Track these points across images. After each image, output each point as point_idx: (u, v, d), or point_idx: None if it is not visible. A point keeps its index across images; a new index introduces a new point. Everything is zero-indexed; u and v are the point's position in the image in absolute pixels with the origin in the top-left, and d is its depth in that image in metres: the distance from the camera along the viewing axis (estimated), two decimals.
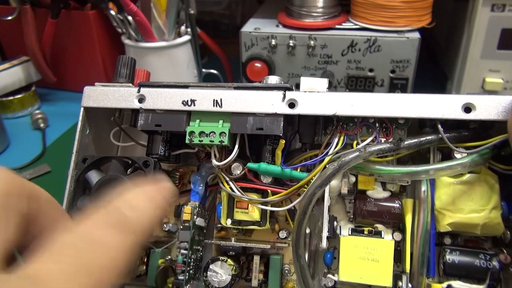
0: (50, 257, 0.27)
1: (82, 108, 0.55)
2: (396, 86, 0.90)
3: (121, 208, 0.31)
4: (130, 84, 0.56)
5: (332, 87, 0.92)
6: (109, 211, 0.31)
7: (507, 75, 0.86)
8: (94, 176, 0.52)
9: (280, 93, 0.50)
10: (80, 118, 0.55)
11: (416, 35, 0.86)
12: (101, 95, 0.55)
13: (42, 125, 1.02)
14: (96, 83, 0.56)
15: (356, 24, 0.90)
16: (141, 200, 0.33)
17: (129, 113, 0.57)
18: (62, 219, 0.37)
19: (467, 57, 0.87)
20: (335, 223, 0.52)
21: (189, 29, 1.03)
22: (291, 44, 0.90)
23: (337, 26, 0.91)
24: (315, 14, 0.91)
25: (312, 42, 0.89)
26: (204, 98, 0.51)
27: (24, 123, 1.06)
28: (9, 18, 1.05)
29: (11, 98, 1.07)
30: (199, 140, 0.50)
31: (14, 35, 1.11)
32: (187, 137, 0.51)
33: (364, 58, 0.89)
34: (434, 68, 1.12)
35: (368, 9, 0.87)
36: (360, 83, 0.91)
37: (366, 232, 0.51)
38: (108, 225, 0.30)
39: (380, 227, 0.52)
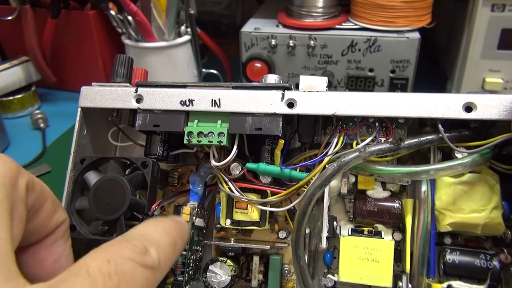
0: (86, 279, 0.28)
1: (79, 109, 0.55)
2: (396, 86, 0.89)
3: (148, 246, 0.32)
4: (128, 84, 0.56)
5: (332, 87, 0.92)
6: (137, 246, 0.32)
7: (507, 75, 0.86)
8: (92, 177, 0.52)
9: (279, 92, 0.50)
10: (78, 118, 0.55)
11: (416, 35, 0.85)
12: (99, 95, 0.54)
13: (42, 125, 1.01)
14: (93, 83, 0.56)
15: (356, 24, 0.90)
16: (165, 243, 0.35)
17: (127, 113, 0.56)
18: (58, 212, 0.38)
19: (467, 57, 0.86)
20: (335, 223, 0.52)
21: (189, 29, 1.02)
22: (291, 44, 0.90)
23: (337, 26, 0.91)
24: (315, 14, 0.91)
25: (312, 42, 0.89)
26: (202, 98, 0.51)
27: (24, 123, 1.06)
28: (9, 18, 1.05)
29: (11, 98, 1.07)
30: (198, 141, 0.50)
31: (14, 35, 1.11)
32: (186, 137, 0.50)
33: (364, 58, 0.88)
34: (434, 68, 1.12)
35: (368, 9, 0.87)
36: (360, 83, 0.91)
37: (366, 232, 0.51)
38: (137, 260, 0.31)
39: (380, 227, 0.51)
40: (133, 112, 0.54)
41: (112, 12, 0.98)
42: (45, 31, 1.04)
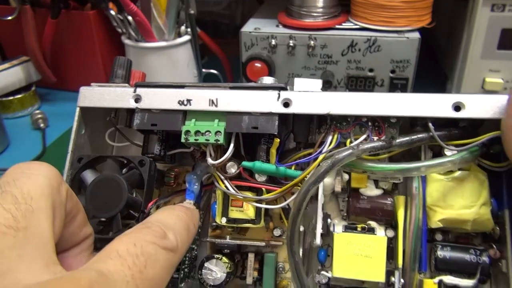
0: (118, 259, 0.32)
1: (78, 108, 0.57)
2: (396, 86, 0.91)
3: (166, 231, 0.38)
4: (126, 84, 0.58)
5: (332, 87, 0.93)
6: (157, 232, 0.37)
7: (507, 75, 0.88)
8: (89, 176, 0.54)
9: (275, 92, 0.52)
10: (76, 118, 0.57)
11: (416, 35, 0.87)
12: (97, 95, 0.56)
13: (42, 125, 1.03)
14: (92, 84, 0.58)
15: (356, 24, 0.92)
16: (181, 228, 0.41)
17: (124, 114, 0.58)
18: (87, 225, 0.43)
19: (467, 57, 0.88)
20: (328, 220, 0.54)
21: (189, 29, 1.04)
22: (291, 44, 0.91)
23: (337, 26, 0.92)
24: (315, 14, 0.93)
25: (312, 42, 0.90)
26: (200, 98, 0.53)
27: (24, 123, 1.07)
28: (9, 18, 1.06)
29: (11, 98, 1.08)
30: (195, 139, 0.52)
31: (14, 35, 1.12)
32: (183, 136, 0.52)
33: (364, 58, 0.90)
34: (434, 68, 1.13)
35: (368, 9, 0.89)
36: (360, 83, 0.93)
37: (359, 229, 0.53)
38: (159, 244, 0.36)
39: (373, 224, 0.54)
40: (131, 112, 0.56)
41: (112, 12, 1.00)
42: (45, 31, 1.06)
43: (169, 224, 0.40)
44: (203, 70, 1.13)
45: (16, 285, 0.29)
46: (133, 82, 0.61)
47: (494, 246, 0.51)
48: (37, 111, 1.05)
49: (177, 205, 0.50)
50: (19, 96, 1.09)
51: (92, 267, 0.31)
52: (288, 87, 0.54)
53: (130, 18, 0.98)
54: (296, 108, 0.52)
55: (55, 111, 1.10)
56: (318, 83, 0.55)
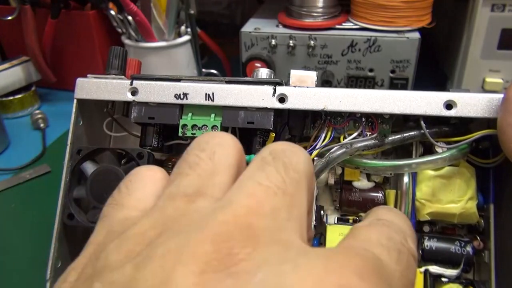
0: (382, 249, 0.27)
1: (75, 100, 0.58)
2: (396, 86, 0.94)
3: (406, 236, 0.30)
4: (123, 77, 0.60)
5: (332, 87, 0.96)
6: (399, 233, 0.29)
7: (507, 75, 0.90)
8: (89, 167, 0.56)
9: (271, 88, 0.54)
10: (74, 110, 0.58)
11: (416, 35, 0.90)
12: (94, 87, 0.57)
13: (42, 125, 1.05)
14: (88, 75, 0.59)
15: (356, 24, 0.94)
16: (411, 236, 0.31)
17: (121, 103, 0.60)
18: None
19: (467, 57, 0.90)
20: (322, 212, 0.57)
21: (189, 29, 1.07)
22: (291, 44, 0.94)
23: (337, 26, 0.95)
24: (315, 14, 0.95)
25: (312, 42, 0.93)
26: (196, 92, 0.54)
27: (24, 123, 1.10)
28: (9, 18, 1.09)
29: (11, 98, 1.11)
30: (192, 133, 0.54)
31: (14, 35, 1.15)
32: (180, 130, 0.54)
33: (364, 58, 0.93)
34: (434, 68, 1.15)
35: (368, 9, 0.91)
36: (360, 83, 0.96)
37: (351, 221, 0.57)
38: (407, 247, 0.29)
39: (364, 216, 0.57)
40: (128, 102, 0.58)
41: (112, 12, 1.03)
42: (45, 31, 1.09)
43: (404, 228, 0.31)
44: (203, 70, 1.16)
45: (291, 246, 0.25)
46: (129, 71, 0.63)
47: (478, 238, 0.55)
48: (37, 111, 1.08)
49: (390, 208, 0.37)
50: (19, 96, 1.12)
51: (367, 247, 0.27)
52: (283, 82, 0.55)
53: (130, 18, 1.00)
54: (291, 104, 0.53)
55: (55, 111, 1.13)
56: (313, 74, 0.57)
